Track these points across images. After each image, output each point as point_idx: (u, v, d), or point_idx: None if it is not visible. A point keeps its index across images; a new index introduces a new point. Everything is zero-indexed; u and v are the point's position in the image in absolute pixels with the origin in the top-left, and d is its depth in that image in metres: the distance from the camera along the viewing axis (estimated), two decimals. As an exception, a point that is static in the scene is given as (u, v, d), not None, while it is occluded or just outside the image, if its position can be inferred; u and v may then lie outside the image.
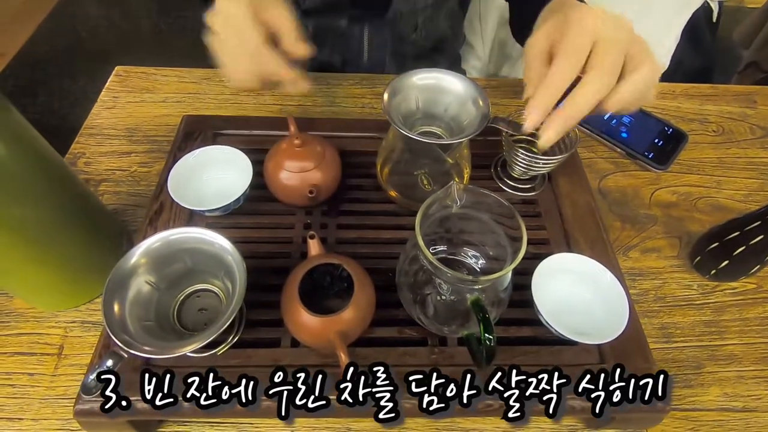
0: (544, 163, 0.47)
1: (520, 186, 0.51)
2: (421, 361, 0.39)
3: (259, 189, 0.47)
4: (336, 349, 0.34)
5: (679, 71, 0.77)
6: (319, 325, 0.35)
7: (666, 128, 0.63)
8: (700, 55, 0.81)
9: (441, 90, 0.44)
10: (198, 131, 0.53)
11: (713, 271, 0.50)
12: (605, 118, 0.64)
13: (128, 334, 0.32)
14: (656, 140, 0.62)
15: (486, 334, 0.32)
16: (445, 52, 0.76)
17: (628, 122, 0.63)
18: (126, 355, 0.31)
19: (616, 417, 0.39)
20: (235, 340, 0.39)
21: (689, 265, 0.53)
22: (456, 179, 0.48)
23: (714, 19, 0.79)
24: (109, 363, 0.31)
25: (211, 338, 0.33)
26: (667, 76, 0.75)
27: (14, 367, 0.43)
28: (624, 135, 0.62)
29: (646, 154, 0.60)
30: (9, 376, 0.42)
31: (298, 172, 0.44)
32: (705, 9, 0.76)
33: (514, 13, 0.69)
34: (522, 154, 0.47)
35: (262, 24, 0.40)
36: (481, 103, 0.43)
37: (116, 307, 0.33)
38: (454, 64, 0.81)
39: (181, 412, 0.36)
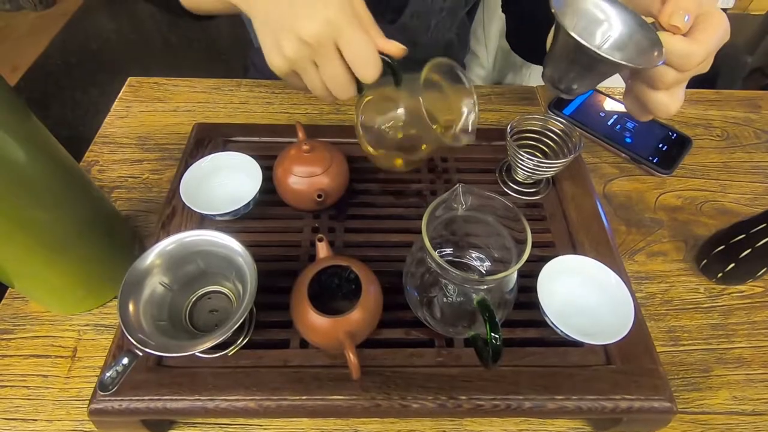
0: (548, 167, 0.48)
1: (524, 190, 0.52)
2: (428, 362, 0.39)
3: (269, 194, 0.48)
4: (345, 350, 0.35)
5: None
6: (327, 325, 0.36)
7: (670, 133, 0.64)
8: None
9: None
10: (209, 138, 0.54)
11: (720, 275, 0.51)
12: (609, 123, 0.64)
13: (142, 332, 0.33)
14: (661, 145, 0.62)
15: (492, 334, 0.32)
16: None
17: (632, 127, 0.64)
18: (140, 354, 0.32)
19: (623, 419, 0.39)
20: (246, 341, 0.39)
21: (696, 269, 0.53)
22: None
23: None
24: (125, 361, 0.31)
25: (222, 338, 0.33)
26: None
27: (29, 369, 0.44)
28: (628, 140, 0.63)
29: (650, 158, 0.61)
30: (24, 378, 0.43)
31: (306, 177, 0.45)
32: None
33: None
34: (526, 158, 0.48)
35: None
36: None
37: (131, 307, 0.34)
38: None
39: (193, 412, 0.37)
